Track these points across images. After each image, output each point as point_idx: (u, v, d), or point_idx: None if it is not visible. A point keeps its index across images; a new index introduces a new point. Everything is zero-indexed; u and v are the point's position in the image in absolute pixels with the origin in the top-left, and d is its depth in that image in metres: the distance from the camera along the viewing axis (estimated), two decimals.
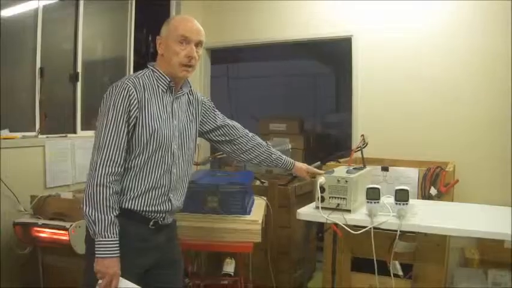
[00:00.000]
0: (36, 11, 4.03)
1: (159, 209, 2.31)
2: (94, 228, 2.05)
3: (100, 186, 2.06)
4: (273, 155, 2.92)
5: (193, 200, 3.11)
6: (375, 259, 2.86)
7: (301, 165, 3.00)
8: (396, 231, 2.72)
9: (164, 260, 2.40)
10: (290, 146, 5.34)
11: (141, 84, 2.23)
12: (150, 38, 5.77)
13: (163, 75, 2.33)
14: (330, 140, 8.13)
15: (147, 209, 2.27)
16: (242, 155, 2.86)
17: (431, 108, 4.76)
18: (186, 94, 2.48)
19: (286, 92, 10.34)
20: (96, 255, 2.06)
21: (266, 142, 2.97)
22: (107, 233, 2.06)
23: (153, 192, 2.28)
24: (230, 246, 3.11)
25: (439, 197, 3.65)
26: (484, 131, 4.52)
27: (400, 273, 3.47)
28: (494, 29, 4.48)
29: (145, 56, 5.76)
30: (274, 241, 4.23)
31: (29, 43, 4.02)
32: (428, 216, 2.89)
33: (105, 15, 4.94)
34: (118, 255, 2.09)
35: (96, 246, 2.06)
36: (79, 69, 4.46)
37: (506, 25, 4.37)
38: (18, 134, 3.71)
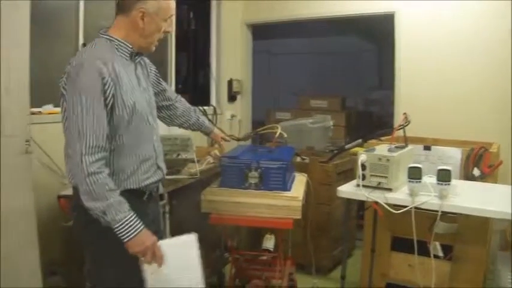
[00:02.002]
0: None
1: (153, 179, 2.32)
2: (106, 217, 1.99)
3: (92, 175, 1.97)
4: (199, 119, 2.93)
5: (234, 176, 3.14)
6: (415, 239, 2.85)
7: (217, 132, 3.09)
8: (437, 211, 2.70)
9: (157, 233, 2.31)
10: (332, 123, 5.31)
11: (107, 58, 2.09)
12: (191, 15, 5.78)
13: (124, 43, 2.21)
14: (371, 118, 8.06)
15: (143, 184, 2.25)
16: (176, 120, 2.83)
17: (476, 87, 4.67)
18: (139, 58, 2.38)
19: (327, 68, 10.26)
20: (125, 239, 2.02)
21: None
22: (122, 213, 2.01)
23: (145, 164, 2.26)
24: (270, 222, 3.11)
25: (482, 178, 3.59)
26: None
27: (441, 254, 3.44)
28: None
29: (187, 32, 5.79)
30: (314, 218, 4.23)
31: (71, 20, 4.07)
32: (471, 197, 2.86)
33: None
34: (143, 226, 2.06)
35: (118, 231, 2.01)
36: None
37: None
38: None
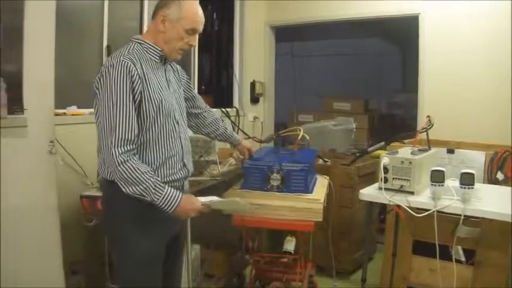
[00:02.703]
0: None
1: (178, 176, 2.40)
2: (147, 197, 2.14)
3: (123, 163, 2.11)
4: (227, 130, 3.01)
5: (256, 178, 3.15)
6: (437, 243, 2.82)
7: (245, 143, 3.16)
8: (460, 215, 2.68)
9: (179, 232, 2.55)
10: (355, 126, 5.30)
11: (136, 58, 2.23)
12: (214, 16, 5.80)
13: (153, 46, 2.34)
14: (395, 120, 8.03)
15: (168, 179, 2.34)
16: (203, 129, 2.91)
17: (499, 91, 4.63)
18: (169, 64, 2.50)
19: (350, 70, 10.22)
20: (171, 210, 2.19)
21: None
22: (161, 189, 2.16)
23: (171, 160, 2.36)
24: (291, 225, 3.12)
25: (506, 182, 3.56)
26: None
27: (463, 258, 3.41)
28: None
29: (211, 33, 5.81)
30: (335, 221, 4.23)
31: (96, 22, 4.12)
32: (494, 201, 2.83)
33: None
34: (181, 194, 2.23)
35: (162, 206, 2.17)
36: None
37: None
38: (86, 111, 3.81)
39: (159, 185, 2.16)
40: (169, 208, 2.17)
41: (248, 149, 3.15)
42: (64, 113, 3.67)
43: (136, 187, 2.11)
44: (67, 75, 3.79)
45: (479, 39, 4.75)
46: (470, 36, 4.79)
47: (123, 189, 2.14)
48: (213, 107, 2.99)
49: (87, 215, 3.32)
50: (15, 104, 2.90)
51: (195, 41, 2.40)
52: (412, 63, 5.44)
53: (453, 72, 4.90)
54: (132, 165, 2.11)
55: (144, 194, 2.12)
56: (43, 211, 3.04)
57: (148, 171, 2.16)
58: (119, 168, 2.10)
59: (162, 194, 2.15)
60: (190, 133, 2.84)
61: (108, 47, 4.12)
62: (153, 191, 2.13)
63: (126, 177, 2.11)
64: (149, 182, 2.12)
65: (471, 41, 4.80)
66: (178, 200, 2.19)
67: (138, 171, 2.12)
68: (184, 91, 2.66)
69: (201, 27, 2.39)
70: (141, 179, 2.11)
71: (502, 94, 4.62)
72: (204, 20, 2.41)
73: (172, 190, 2.19)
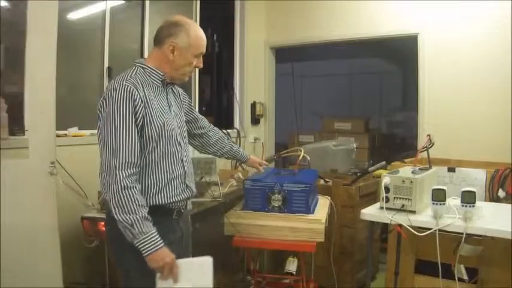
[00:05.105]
0: (103, 12, 4.17)
1: (181, 197, 2.40)
2: (133, 230, 2.09)
3: (125, 189, 2.10)
4: (233, 147, 3.06)
5: (257, 198, 3.16)
6: (439, 262, 2.82)
7: (254, 158, 3.21)
8: (462, 233, 2.68)
9: (184, 251, 2.49)
10: (355, 146, 5.30)
11: (139, 83, 2.26)
12: (215, 37, 5.84)
13: (155, 70, 2.37)
14: (395, 140, 8.05)
15: (171, 200, 2.35)
16: (209, 148, 2.95)
17: (499, 109, 4.64)
18: (171, 87, 2.53)
19: (351, 90, 10.27)
20: (146, 254, 2.11)
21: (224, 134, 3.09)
22: (146, 228, 2.10)
23: (173, 182, 2.36)
24: (293, 245, 3.13)
25: (508, 199, 3.55)
26: None
27: (465, 277, 3.40)
28: None
29: (211, 55, 5.83)
30: (337, 241, 4.22)
31: (97, 43, 4.16)
32: (496, 219, 2.83)
33: (171, 15, 5.03)
34: (163, 243, 2.15)
35: (140, 246, 2.10)
36: None
37: None
38: (87, 132, 3.82)
39: (149, 224, 2.12)
40: (148, 249, 2.10)
41: (259, 163, 3.19)
42: (65, 134, 3.68)
43: (128, 216, 2.08)
44: (68, 96, 3.81)
45: (478, 57, 4.76)
46: (469, 54, 4.81)
47: (113, 213, 2.11)
48: None
49: (87, 236, 3.32)
50: (17, 124, 2.92)
51: (201, 62, 2.45)
52: (412, 82, 5.46)
53: (453, 91, 4.91)
54: (133, 194, 2.11)
55: (133, 224, 2.08)
56: (43, 232, 3.05)
57: (145, 206, 2.14)
58: (121, 192, 2.09)
59: (147, 232, 2.10)
60: (196, 154, 2.86)
61: (109, 68, 4.14)
62: (141, 225, 2.09)
63: (123, 203, 2.09)
64: (140, 216, 2.10)
65: (470, 59, 4.81)
66: (159, 247, 2.13)
67: (137, 202, 2.11)
68: (186, 114, 2.69)
69: (205, 49, 2.45)
70: (136, 210, 2.09)
71: (501, 112, 4.62)
72: (206, 41, 2.45)
73: (157, 235, 2.14)
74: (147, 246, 2.10)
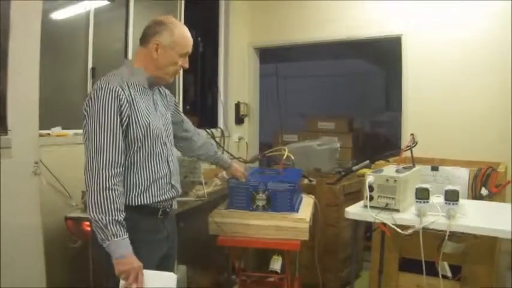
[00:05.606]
0: (87, 13, 4.14)
1: (166, 197, 2.40)
2: (106, 232, 2.07)
3: (106, 190, 2.09)
4: (217, 153, 3.06)
5: (242, 198, 3.16)
6: (423, 259, 2.83)
7: (237, 167, 3.22)
8: (445, 231, 2.70)
9: (171, 250, 2.51)
10: (339, 145, 5.32)
11: (124, 83, 2.26)
12: (199, 39, 5.83)
13: (141, 71, 2.37)
14: (379, 139, 8.06)
15: (156, 199, 2.34)
16: (193, 152, 2.96)
17: (482, 107, 4.69)
18: (157, 88, 2.54)
19: (335, 90, 10.30)
20: (115, 257, 2.09)
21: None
22: (119, 232, 2.09)
23: (159, 182, 2.36)
24: (278, 244, 3.14)
25: (490, 197, 3.59)
26: None
27: (449, 274, 3.42)
28: None
29: (196, 54, 5.82)
30: (321, 239, 4.23)
31: (81, 44, 4.13)
32: (479, 217, 2.85)
33: (155, 15, 5.02)
34: (132, 250, 2.13)
35: (111, 247, 2.09)
36: None
37: None
38: (70, 132, 3.79)
39: (123, 228, 2.11)
40: (118, 252, 2.09)
41: (242, 173, 3.19)
42: (48, 133, 3.64)
43: (103, 217, 2.06)
44: (52, 96, 3.77)
45: (461, 58, 4.80)
46: (452, 55, 4.85)
47: (89, 210, 2.10)
48: (198, 128, 2.99)
49: (71, 236, 3.30)
50: None
51: (187, 62, 2.45)
52: (395, 82, 5.49)
53: (436, 91, 4.94)
54: (113, 196, 2.10)
55: (107, 225, 2.06)
56: (27, 232, 3.02)
57: (122, 211, 2.13)
58: (102, 192, 2.08)
59: (119, 236, 2.09)
60: (178, 154, 2.85)
61: (93, 68, 4.11)
62: (114, 227, 2.07)
63: (100, 203, 2.08)
64: (116, 219, 2.08)
65: (453, 60, 4.85)
66: (129, 252, 2.11)
67: (115, 205, 2.09)
68: (172, 115, 2.68)
69: (191, 50, 2.44)
70: (112, 213, 2.08)
71: (484, 112, 4.67)
72: (192, 41, 2.45)
73: (128, 241, 2.12)
74: (116, 248, 2.09)
